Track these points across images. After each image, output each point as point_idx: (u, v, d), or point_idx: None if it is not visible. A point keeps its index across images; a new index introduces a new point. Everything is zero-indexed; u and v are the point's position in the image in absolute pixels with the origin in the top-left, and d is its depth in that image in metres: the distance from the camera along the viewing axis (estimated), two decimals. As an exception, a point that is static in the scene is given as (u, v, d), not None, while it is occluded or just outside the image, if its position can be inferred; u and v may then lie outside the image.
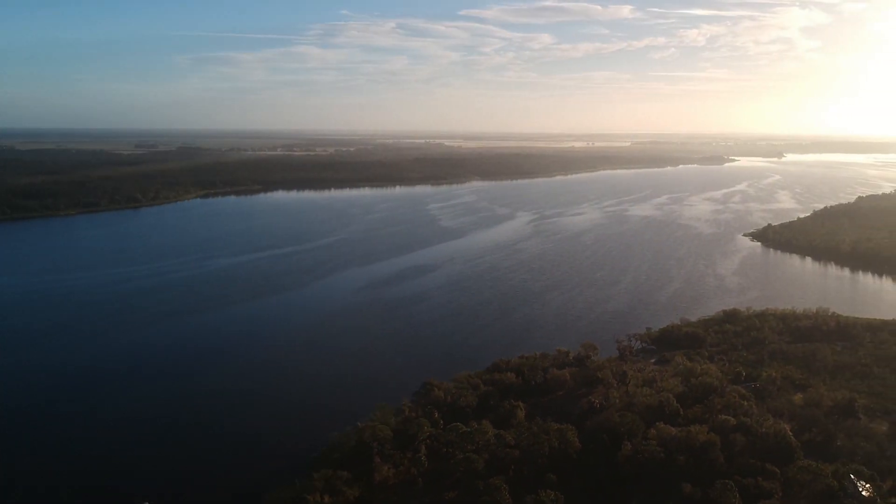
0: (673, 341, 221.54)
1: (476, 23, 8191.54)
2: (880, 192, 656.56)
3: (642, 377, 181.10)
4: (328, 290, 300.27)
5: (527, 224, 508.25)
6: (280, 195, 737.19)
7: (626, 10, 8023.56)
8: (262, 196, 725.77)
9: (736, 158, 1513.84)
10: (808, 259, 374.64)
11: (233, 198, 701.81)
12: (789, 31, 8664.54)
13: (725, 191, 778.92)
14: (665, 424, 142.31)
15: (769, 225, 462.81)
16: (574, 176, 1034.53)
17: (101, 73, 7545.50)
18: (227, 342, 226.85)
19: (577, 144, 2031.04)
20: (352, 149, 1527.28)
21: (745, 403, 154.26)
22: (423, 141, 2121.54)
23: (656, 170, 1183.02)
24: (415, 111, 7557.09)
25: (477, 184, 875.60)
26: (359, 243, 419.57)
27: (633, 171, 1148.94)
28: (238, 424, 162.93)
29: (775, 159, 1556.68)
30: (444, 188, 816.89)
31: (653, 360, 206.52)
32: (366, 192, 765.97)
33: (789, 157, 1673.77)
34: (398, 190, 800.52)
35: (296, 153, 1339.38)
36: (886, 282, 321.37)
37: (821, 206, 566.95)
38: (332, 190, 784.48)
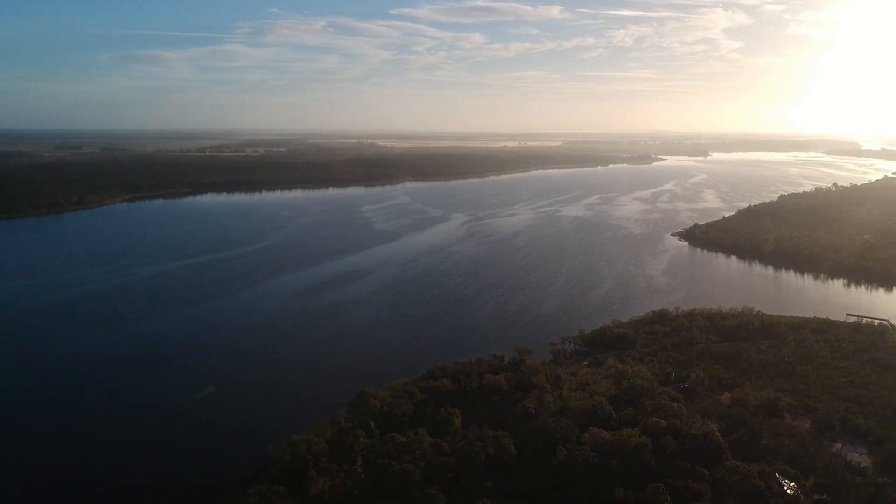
0: (605, 343, 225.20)
1: (407, 22, 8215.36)
2: (801, 191, 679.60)
3: (576, 380, 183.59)
4: (261, 298, 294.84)
5: (460, 226, 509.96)
6: (210, 198, 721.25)
7: (555, 11, 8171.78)
8: (191, 199, 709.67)
9: (663, 157, 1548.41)
10: (734, 258, 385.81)
11: (161, 201, 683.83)
12: (713, 31, 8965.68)
13: (654, 190, 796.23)
14: (598, 428, 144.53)
15: (696, 224, 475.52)
16: (507, 176, 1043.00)
17: (18, 72, 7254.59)
18: (156, 354, 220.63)
19: (510, 144, 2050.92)
20: (283, 149, 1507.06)
21: (675, 405, 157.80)
22: (355, 141, 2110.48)
23: (587, 169, 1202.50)
24: (347, 110, 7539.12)
25: (410, 185, 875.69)
26: (291, 248, 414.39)
27: (564, 170, 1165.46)
28: (169, 441, 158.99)
29: (701, 158, 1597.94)
30: (377, 189, 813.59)
31: (586, 363, 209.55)
32: (298, 195, 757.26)
33: (714, 155, 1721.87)
34: (331, 192, 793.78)
35: (225, 154, 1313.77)
36: (807, 280, 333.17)
37: (745, 204, 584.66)
38: (264, 192, 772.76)
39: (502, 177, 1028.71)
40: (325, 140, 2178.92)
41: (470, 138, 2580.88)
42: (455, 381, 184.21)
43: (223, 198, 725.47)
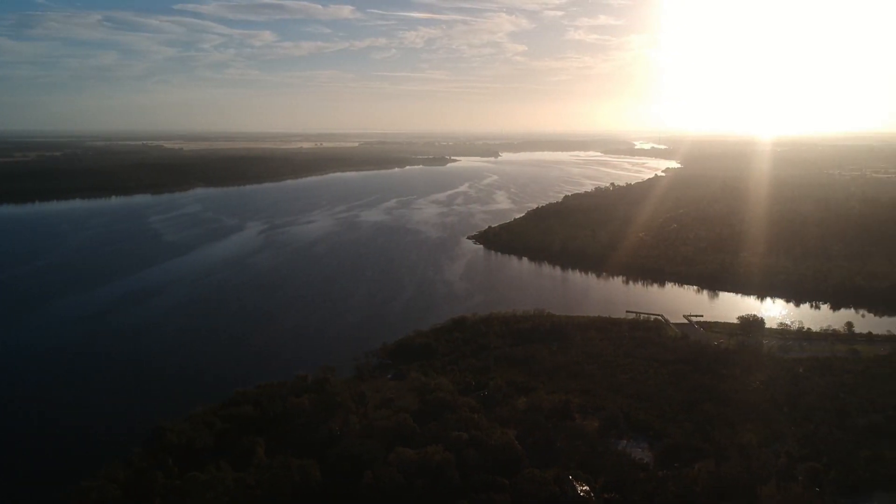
0: (408, 354, 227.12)
1: (193, 18, 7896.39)
2: (583, 191, 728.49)
3: (380, 397, 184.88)
4: (38, 326, 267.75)
5: (257, 235, 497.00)
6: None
7: (346, 11, 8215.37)
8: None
9: (457, 158, 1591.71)
10: (525, 260, 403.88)
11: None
12: (498, 35, 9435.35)
13: (449, 192, 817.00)
14: (403, 448, 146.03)
15: (489, 227, 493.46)
16: (304, 180, 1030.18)
17: None
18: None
19: (306, 145, 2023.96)
20: (58, 153, 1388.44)
21: (475, 416, 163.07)
22: (139, 143, 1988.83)
23: (385, 171, 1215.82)
24: (129, 110, 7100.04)
25: (201, 191, 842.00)
26: (71, 267, 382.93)
27: (362, 173, 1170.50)
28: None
29: (492, 159, 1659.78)
30: (165, 197, 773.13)
31: (389, 376, 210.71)
32: (77, 205, 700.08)
33: (504, 155, 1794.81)
34: (114, 201, 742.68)
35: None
36: (591, 278, 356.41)
37: (534, 205, 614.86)
38: (37, 203, 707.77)
39: (299, 181, 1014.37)
40: (105, 143, 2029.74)
41: (264, 139, 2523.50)
42: (258, 407, 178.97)
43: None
